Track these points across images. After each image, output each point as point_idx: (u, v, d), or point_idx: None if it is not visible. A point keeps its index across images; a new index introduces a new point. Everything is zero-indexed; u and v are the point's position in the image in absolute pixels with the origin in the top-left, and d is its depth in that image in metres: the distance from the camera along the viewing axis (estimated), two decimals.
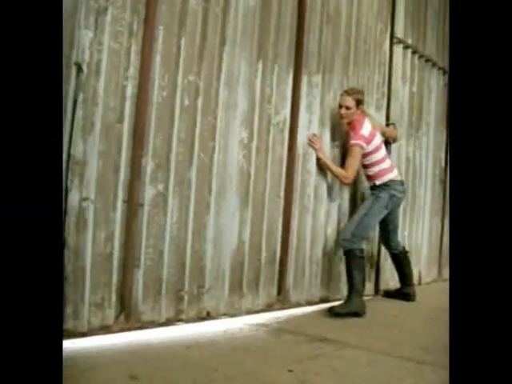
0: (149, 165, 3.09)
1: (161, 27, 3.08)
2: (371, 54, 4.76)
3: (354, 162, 4.10)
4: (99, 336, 2.84)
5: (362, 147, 4.10)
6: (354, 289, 3.94)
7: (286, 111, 3.92)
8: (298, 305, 4.08)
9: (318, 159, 4.17)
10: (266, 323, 3.55)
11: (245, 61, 3.59)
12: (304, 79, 4.03)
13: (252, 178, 3.67)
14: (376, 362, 2.82)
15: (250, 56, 3.64)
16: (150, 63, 3.03)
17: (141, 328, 3.09)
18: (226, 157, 3.51)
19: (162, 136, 3.16)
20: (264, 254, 3.79)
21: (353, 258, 3.99)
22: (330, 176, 4.29)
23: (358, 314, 3.84)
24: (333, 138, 4.34)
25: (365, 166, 4.29)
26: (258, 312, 3.77)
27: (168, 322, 3.24)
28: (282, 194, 3.90)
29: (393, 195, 4.22)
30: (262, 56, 3.71)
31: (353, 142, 4.09)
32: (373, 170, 4.27)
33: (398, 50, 5.11)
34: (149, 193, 3.11)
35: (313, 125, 4.13)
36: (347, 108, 4.11)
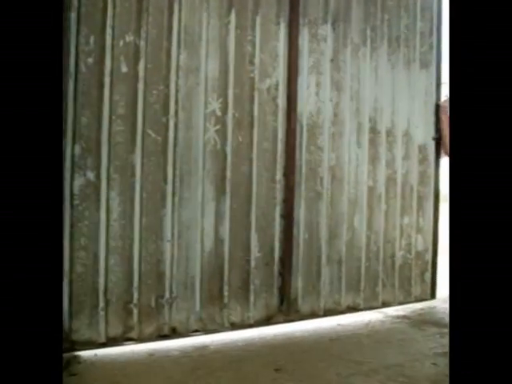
0: (72, 148, 2.49)
1: None
2: None
3: None
4: None
5: None
6: None
7: (279, 73, 3.10)
8: (313, 315, 3.24)
9: None
10: None
11: (210, 12, 2.85)
12: (304, 32, 3.19)
13: (229, 158, 2.91)
14: None
15: (219, 6, 2.89)
16: (65, 22, 2.42)
17: (72, 350, 2.51)
18: (188, 134, 2.81)
19: (90, 113, 2.53)
20: (256, 255, 3.01)
21: None
22: (356, 152, 3.39)
23: None
24: (358, 108, 3.42)
25: None
26: (251, 326, 3.01)
27: (112, 342, 2.60)
28: (279, 177, 3.09)
29: None
30: (236, 4, 2.94)
31: None
32: None
33: None
34: (75, 183, 2.50)
35: (323, 89, 3.26)
36: None
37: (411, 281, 3.69)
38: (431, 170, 3.77)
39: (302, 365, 2.46)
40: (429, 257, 3.79)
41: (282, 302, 3.11)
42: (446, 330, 3.01)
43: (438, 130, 3.77)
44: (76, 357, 2.49)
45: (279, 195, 3.09)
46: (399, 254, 3.62)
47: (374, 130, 3.48)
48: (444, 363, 2.50)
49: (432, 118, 3.77)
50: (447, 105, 3.80)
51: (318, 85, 3.24)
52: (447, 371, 2.21)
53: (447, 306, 3.58)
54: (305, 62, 3.18)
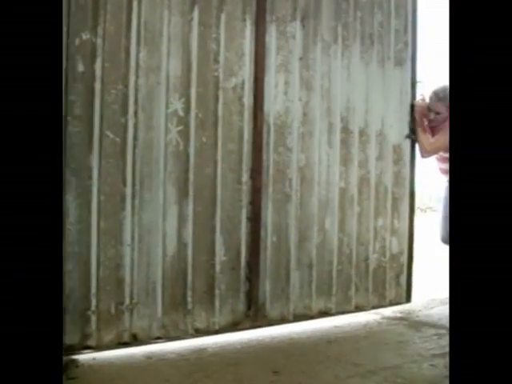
0: None
1: None
2: None
3: (444, 140, 3.55)
4: None
5: None
6: None
7: (245, 72, 3.01)
8: (282, 321, 3.15)
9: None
10: None
11: (171, 9, 2.76)
12: (271, 29, 3.09)
13: (192, 160, 2.82)
14: None
15: (181, 2, 2.80)
16: None
17: None
18: (148, 135, 2.72)
19: None
20: (221, 258, 2.93)
21: None
22: (327, 152, 3.30)
23: None
24: (329, 108, 3.33)
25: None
26: (216, 332, 2.93)
27: (69, 350, 2.51)
28: (246, 178, 3.00)
29: None
30: (200, 1, 2.85)
31: None
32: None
33: None
34: None
35: (291, 88, 3.17)
36: (437, 113, 3.70)
37: (386, 284, 3.61)
38: (406, 171, 3.68)
39: (300, 367, 2.48)
40: (404, 259, 3.70)
41: (249, 307, 3.02)
42: (444, 331, 3.06)
43: (412, 129, 3.68)
44: (74, 360, 2.46)
45: (245, 197, 3.00)
46: (373, 256, 3.54)
47: (346, 130, 3.39)
48: (442, 364, 2.51)
49: (407, 118, 3.68)
50: (423, 104, 3.71)
51: (286, 83, 3.15)
52: (445, 372, 2.33)
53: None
54: (272, 60, 3.09)
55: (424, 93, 3.73)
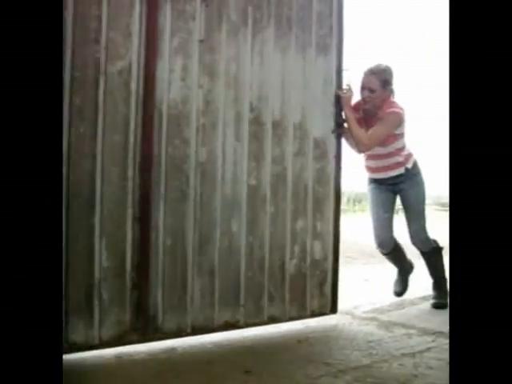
0: None
1: None
2: None
3: (383, 131, 3.45)
4: None
5: (401, 119, 3.52)
6: (444, 281, 3.82)
7: (133, 55, 2.68)
8: (178, 334, 2.81)
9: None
10: None
11: None
12: (166, 8, 2.76)
13: (65, 153, 2.49)
14: None
15: None
16: None
17: None
18: None
19: None
20: (103, 264, 2.60)
21: (439, 254, 3.82)
22: (233, 146, 2.97)
23: None
24: (236, 96, 3.00)
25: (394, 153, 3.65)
26: (96, 347, 2.59)
27: None
28: (132, 174, 2.67)
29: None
30: None
31: (391, 110, 3.47)
32: (403, 155, 3.69)
33: None
34: None
35: (190, 73, 2.84)
36: (370, 90, 3.48)
37: (306, 293, 3.26)
38: (331, 168, 3.34)
39: (271, 366, 2.52)
40: (328, 266, 3.35)
41: (137, 318, 2.68)
42: (414, 331, 3.16)
43: (338, 123, 3.35)
44: None
45: (132, 195, 2.67)
46: (291, 262, 3.19)
47: (257, 122, 3.05)
48: (411, 364, 2.59)
49: (332, 109, 3.34)
50: (350, 94, 3.38)
51: (184, 69, 2.82)
52: (414, 371, 2.47)
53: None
54: (167, 42, 2.76)
55: (351, 82, 3.40)
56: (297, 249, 3.22)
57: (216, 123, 2.92)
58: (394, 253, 3.80)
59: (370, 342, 2.96)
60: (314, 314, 3.29)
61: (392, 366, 2.55)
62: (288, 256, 3.18)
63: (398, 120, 3.48)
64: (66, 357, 2.31)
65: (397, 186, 3.68)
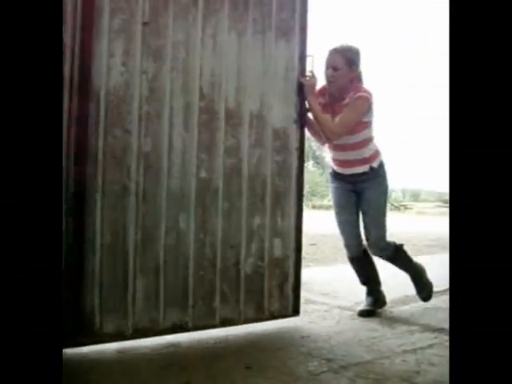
0: None
1: None
2: None
3: (352, 116, 3.21)
4: None
5: (369, 103, 3.26)
6: (419, 272, 3.63)
7: (67, 38, 2.49)
8: (118, 337, 2.63)
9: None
10: None
11: None
12: None
13: None
14: None
15: None
16: None
17: None
18: None
19: None
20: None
21: (400, 253, 3.54)
22: (182, 136, 2.78)
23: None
24: (185, 83, 2.80)
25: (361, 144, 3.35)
26: None
27: None
28: (65, 165, 2.48)
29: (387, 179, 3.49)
30: None
31: (359, 94, 3.22)
32: (371, 149, 3.40)
33: None
34: None
35: (132, 58, 2.65)
36: (334, 69, 3.23)
37: (264, 294, 3.05)
38: (292, 160, 3.12)
39: (274, 362, 2.52)
40: (290, 265, 3.14)
41: (70, 321, 2.50)
42: (416, 328, 3.15)
43: (301, 112, 3.13)
44: None
45: (66, 189, 2.48)
46: (248, 261, 2.99)
47: (209, 111, 2.85)
48: (413, 360, 2.59)
49: (294, 98, 3.13)
50: (314, 81, 3.16)
51: (125, 53, 2.62)
52: (416, 368, 2.46)
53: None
54: (106, 24, 2.57)
55: (314, 68, 3.18)
56: (254, 247, 3.01)
57: (162, 112, 2.72)
58: (360, 260, 3.56)
59: (372, 338, 2.95)
60: (273, 316, 3.09)
61: (394, 363, 2.55)
62: (243, 254, 2.97)
63: (367, 105, 3.23)
64: (66, 351, 2.39)
65: (358, 186, 3.40)
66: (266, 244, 3.05)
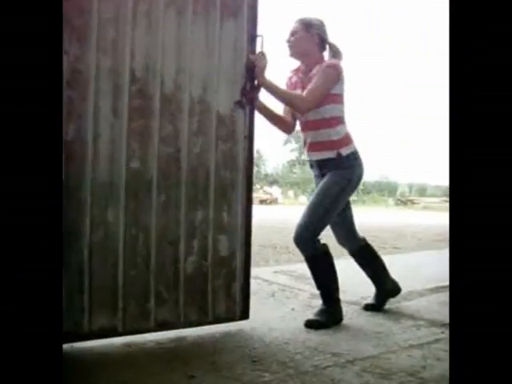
0: None
1: None
2: None
3: (319, 83, 2.97)
4: None
5: (339, 72, 3.03)
6: (332, 295, 3.08)
7: None
8: None
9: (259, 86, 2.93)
10: None
11: None
12: None
13: None
14: None
15: None
16: None
17: None
18: None
19: None
20: None
21: (322, 260, 3.07)
22: (110, 122, 2.54)
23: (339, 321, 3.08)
24: (114, 65, 2.56)
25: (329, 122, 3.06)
26: None
27: None
28: None
29: (361, 173, 3.14)
30: None
31: (328, 63, 3.06)
32: (339, 132, 3.08)
33: None
34: None
35: None
36: (292, 34, 3.12)
37: (207, 295, 2.81)
38: (240, 150, 2.87)
39: (279, 356, 2.50)
40: (237, 264, 2.89)
41: None
42: (422, 323, 3.14)
43: (248, 96, 2.88)
44: None
45: None
46: (188, 259, 2.75)
47: (142, 95, 2.61)
48: (419, 355, 2.58)
49: (242, 82, 2.87)
50: (265, 63, 2.89)
51: None
52: (423, 362, 2.46)
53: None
54: None
55: (264, 50, 2.91)
56: (196, 244, 2.77)
57: (87, 96, 2.49)
58: (362, 258, 3.40)
59: (378, 332, 2.94)
60: (218, 320, 2.84)
61: (400, 357, 2.55)
62: (183, 252, 2.73)
63: (336, 74, 3.00)
64: (76, 344, 2.48)
65: (322, 172, 3.13)
66: (210, 241, 2.80)
